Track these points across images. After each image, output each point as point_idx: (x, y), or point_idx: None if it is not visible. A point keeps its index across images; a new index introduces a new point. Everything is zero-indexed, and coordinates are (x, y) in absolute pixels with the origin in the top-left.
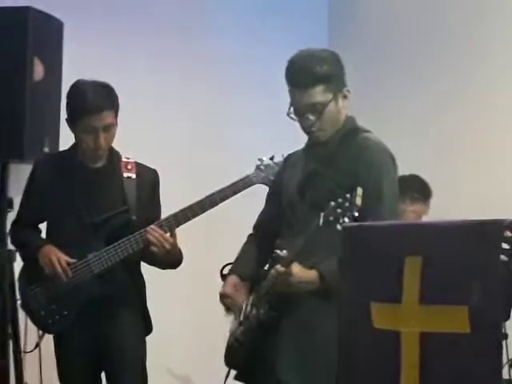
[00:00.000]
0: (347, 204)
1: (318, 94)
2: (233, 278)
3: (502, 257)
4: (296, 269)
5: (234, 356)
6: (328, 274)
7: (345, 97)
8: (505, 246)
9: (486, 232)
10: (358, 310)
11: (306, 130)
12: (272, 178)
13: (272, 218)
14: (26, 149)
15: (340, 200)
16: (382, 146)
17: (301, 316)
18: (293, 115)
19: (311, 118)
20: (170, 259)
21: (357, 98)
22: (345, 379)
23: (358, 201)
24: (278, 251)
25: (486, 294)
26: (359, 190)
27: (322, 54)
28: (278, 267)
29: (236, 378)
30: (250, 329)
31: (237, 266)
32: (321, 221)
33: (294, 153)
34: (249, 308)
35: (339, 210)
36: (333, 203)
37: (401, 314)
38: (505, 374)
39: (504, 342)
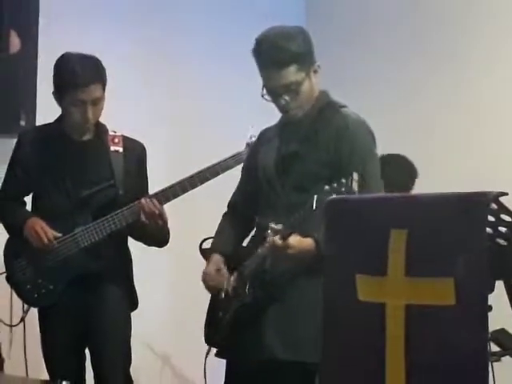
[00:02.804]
0: (343, 189)
1: (292, 73)
2: (216, 257)
3: (488, 229)
4: (293, 240)
5: (216, 334)
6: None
7: (315, 72)
8: (490, 218)
9: (472, 204)
10: (343, 283)
11: (282, 109)
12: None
13: (247, 195)
14: (1, 122)
15: (335, 185)
16: (361, 122)
17: (290, 296)
18: (267, 96)
19: (287, 98)
20: (159, 235)
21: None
22: (330, 351)
23: (355, 186)
24: (273, 225)
25: (471, 266)
26: (355, 175)
27: (292, 31)
28: (276, 239)
29: (217, 355)
30: (233, 308)
31: (217, 244)
32: (314, 204)
33: (268, 128)
34: (231, 287)
35: (335, 195)
36: (327, 187)
37: (386, 287)
38: None
39: None
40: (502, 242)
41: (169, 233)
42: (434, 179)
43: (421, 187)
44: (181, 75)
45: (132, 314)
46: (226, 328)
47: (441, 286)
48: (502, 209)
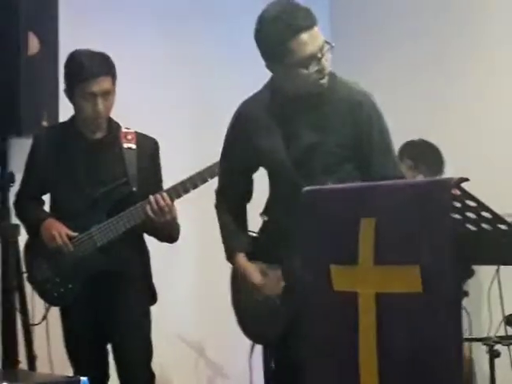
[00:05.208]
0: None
1: (321, 34)
2: (257, 268)
3: (456, 216)
4: None
5: (271, 331)
6: None
7: None
8: (457, 204)
9: (434, 191)
10: (319, 274)
11: (320, 76)
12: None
13: (237, 183)
14: (24, 124)
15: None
16: (369, 95)
17: None
18: (297, 70)
19: (329, 56)
20: (169, 231)
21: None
22: (308, 343)
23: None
24: None
25: (437, 253)
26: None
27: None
28: None
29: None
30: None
31: (236, 243)
32: None
33: (250, 105)
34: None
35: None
36: None
37: (357, 276)
38: (501, 331)
39: (499, 301)
40: (471, 227)
41: (179, 229)
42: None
43: None
44: (200, 62)
45: (160, 305)
46: (284, 324)
47: (408, 273)
48: (466, 194)
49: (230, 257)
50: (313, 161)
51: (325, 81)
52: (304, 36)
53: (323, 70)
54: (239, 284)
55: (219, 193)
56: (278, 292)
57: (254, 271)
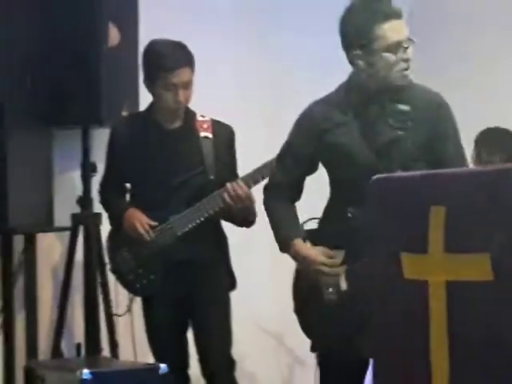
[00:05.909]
0: None
1: None
2: (319, 249)
3: None
4: None
5: (336, 336)
6: None
7: None
8: None
9: (502, 179)
10: (389, 261)
11: (404, 67)
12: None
13: (295, 178)
14: (105, 114)
15: None
16: (442, 95)
17: None
18: (385, 53)
19: (411, 50)
20: (246, 217)
21: None
22: (378, 331)
23: None
24: None
25: (506, 241)
26: None
27: None
28: None
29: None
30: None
31: (295, 230)
32: None
33: (321, 103)
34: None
35: None
36: None
37: (428, 264)
38: None
39: None
40: None
41: (255, 213)
42: None
43: None
44: (274, 57)
45: (240, 296)
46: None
47: (478, 262)
48: None
49: (286, 245)
50: (390, 159)
51: (409, 73)
52: (393, 23)
53: (408, 60)
54: (301, 288)
55: (272, 187)
56: (340, 273)
57: (316, 252)
